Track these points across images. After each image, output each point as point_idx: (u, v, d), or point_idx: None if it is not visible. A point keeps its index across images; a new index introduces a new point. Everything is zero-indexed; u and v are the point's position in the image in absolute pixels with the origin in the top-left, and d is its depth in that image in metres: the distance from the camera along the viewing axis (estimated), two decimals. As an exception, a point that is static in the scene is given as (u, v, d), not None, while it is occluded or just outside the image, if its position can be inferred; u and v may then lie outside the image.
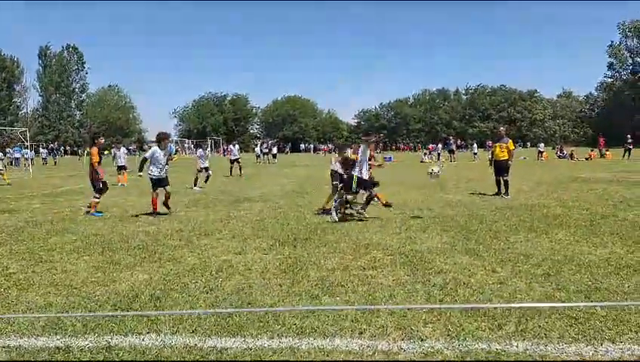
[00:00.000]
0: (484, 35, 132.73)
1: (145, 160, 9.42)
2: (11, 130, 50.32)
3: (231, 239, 6.84)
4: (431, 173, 9.62)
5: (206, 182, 15.57)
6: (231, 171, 21.08)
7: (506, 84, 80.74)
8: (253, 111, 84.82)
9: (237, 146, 22.24)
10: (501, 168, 11.45)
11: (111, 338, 3.39)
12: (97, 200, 9.66)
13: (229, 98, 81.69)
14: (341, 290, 4.35)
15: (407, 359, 2.98)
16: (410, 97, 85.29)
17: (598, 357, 2.90)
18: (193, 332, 3.50)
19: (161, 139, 9.56)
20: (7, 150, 33.09)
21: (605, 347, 3.03)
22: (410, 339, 3.25)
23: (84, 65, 78.30)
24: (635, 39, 63.39)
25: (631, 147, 30.11)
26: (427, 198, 11.19)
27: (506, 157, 11.45)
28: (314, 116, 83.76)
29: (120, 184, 16.74)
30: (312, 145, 73.83)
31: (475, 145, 40.09)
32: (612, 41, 65.29)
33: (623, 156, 29.42)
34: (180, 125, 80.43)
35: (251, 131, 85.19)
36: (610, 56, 65.83)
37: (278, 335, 3.40)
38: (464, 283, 4.44)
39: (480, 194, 11.87)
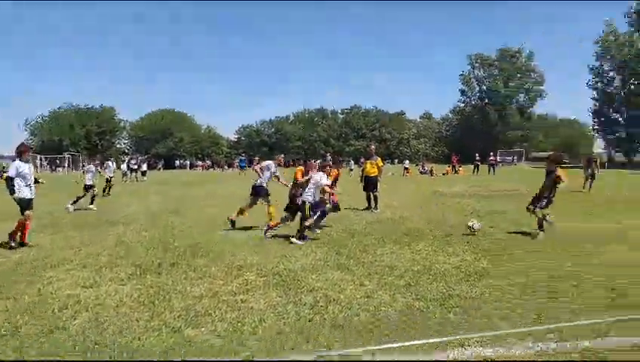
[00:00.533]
0: (362, 59, 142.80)
1: (11, 179, 7.59)
2: None
3: (81, 269, 5.97)
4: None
5: (92, 203, 13.44)
6: (108, 190, 18.51)
7: (378, 105, 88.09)
8: (121, 124, 77.69)
9: (114, 164, 19.79)
10: (371, 183, 12.20)
11: None
12: None
13: (94, 110, 73.77)
14: (207, 320, 4.03)
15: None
16: (291, 115, 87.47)
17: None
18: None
19: (22, 151, 7.87)
20: None
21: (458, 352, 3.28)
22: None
23: None
24: (481, 69, 74.19)
25: (479, 164, 34.92)
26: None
27: (376, 173, 12.25)
28: (191, 130, 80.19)
29: None
30: (188, 162, 70.48)
31: (352, 161, 42.41)
32: (463, 71, 75.53)
33: (473, 172, 33.98)
34: (31, 139, 69.79)
35: (118, 146, 77.76)
36: (462, 84, 76.03)
37: (128, 380, 2.97)
38: (334, 300, 4.48)
39: (353, 208, 12.42)
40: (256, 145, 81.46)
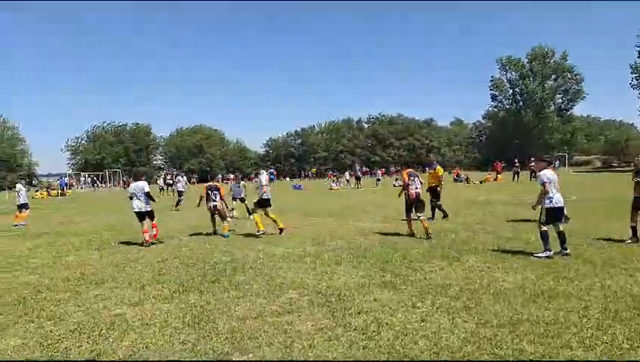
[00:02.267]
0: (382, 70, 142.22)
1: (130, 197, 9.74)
2: None
3: (127, 287, 5.95)
4: None
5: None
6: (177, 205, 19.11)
7: (403, 112, 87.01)
8: (157, 141, 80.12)
9: (184, 178, 21.35)
10: (432, 193, 11.85)
11: None
12: None
13: (128, 127, 76.42)
14: (254, 344, 3.86)
15: None
16: (316, 126, 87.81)
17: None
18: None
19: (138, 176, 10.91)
20: None
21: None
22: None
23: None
24: (512, 72, 71.80)
25: (519, 170, 33.47)
26: (339, 227, 11.09)
27: (436, 183, 11.96)
28: (222, 146, 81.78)
29: (16, 225, 14.32)
30: (219, 176, 71.78)
31: (379, 171, 41.44)
32: (493, 76, 73.23)
33: (513, 179, 32.60)
34: (73, 158, 72.87)
35: (154, 162, 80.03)
36: (492, 89, 73.74)
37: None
38: (386, 324, 4.19)
39: (390, 220, 12.07)
40: (283, 156, 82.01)
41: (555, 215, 6.83)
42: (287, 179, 68.32)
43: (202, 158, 77.05)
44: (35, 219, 15.90)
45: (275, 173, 45.87)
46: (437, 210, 11.83)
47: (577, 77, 67.95)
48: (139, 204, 9.47)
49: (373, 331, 4.03)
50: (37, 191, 40.41)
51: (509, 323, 4.09)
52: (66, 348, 3.94)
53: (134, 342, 4.03)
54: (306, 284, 5.72)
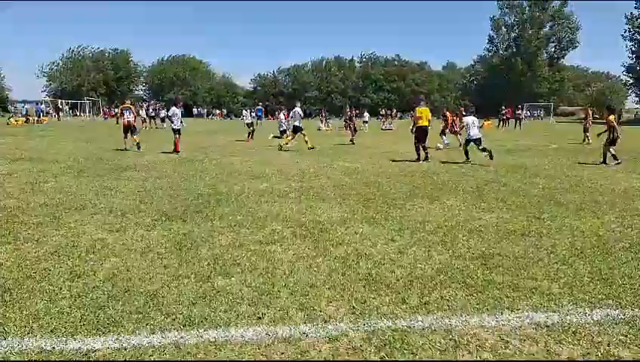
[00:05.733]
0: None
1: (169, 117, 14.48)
2: None
3: (107, 214, 5.93)
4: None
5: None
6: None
7: (400, 53, 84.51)
8: (138, 69, 76.64)
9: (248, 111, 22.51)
10: (423, 134, 12.13)
11: None
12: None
13: (107, 53, 72.51)
14: (237, 269, 3.93)
15: (311, 344, 2.70)
16: (309, 63, 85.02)
17: (500, 326, 2.93)
18: (51, 331, 2.83)
19: (176, 102, 15.66)
20: None
21: (506, 316, 3.08)
22: (313, 322, 2.98)
23: None
24: (512, 16, 69.58)
25: (506, 118, 33.70)
26: (325, 166, 11.12)
27: (427, 124, 12.12)
28: (207, 79, 78.93)
29: None
30: (205, 110, 69.98)
31: (367, 113, 39.77)
32: (493, 16, 70.82)
33: (498, 126, 32.91)
34: (50, 84, 69.52)
35: (136, 92, 76.97)
36: (492, 30, 71.39)
37: (160, 328, 2.89)
38: (365, 254, 4.31)
39: (376, 161, 12.14)
40: (272, 94, 79.99)
41: (471, 142, 11.59)
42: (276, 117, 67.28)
43: (186, 91, 74.47)
44: (11, 146, 15.48)
45: (263, 110, 44.91)
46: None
47: (573, 25, 66.63)
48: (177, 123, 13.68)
49: (353, 260, 4.15)
50: (11, 117, 38.82)
51: (481, 257, 4.27)
52: (44, 269, 3.92)
53: (115, 264, 4.05)
54: (290, 217, 5.79)
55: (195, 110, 70.06)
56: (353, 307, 3.19)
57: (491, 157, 11.14)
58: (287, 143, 15.61)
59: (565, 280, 3.70)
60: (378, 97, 78.18)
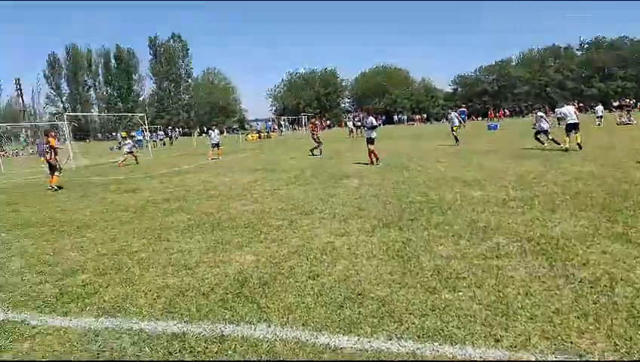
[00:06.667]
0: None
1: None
2: (132, 115, 55.79)
3: (332, 219, 6.56)
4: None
5: None
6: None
7: (628, 34, 69.11)
8: (343, 84, 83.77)
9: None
10: None
11: (224, 327, 3.30)
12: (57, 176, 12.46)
13: (318, 73, 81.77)
14: (463, 284, 3.80)
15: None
16: (514, 58, 77.52)
17: None
18: (304, 324, 3.27)
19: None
20: (132, 134, 36.44)
21: None
22: (563, 355, 2.64)
23: (188, 52, 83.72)
24: None
25: None
26: (549, 170, 9.86)
27: None
28: (407, 86, 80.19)
29: (211, 159, 19.57)
30: (405, 117, 71.17)
31: (600, 106, 32.89)
32: None
33: None
34: (274, 104, 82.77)
35: (342, 105, 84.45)
36: None
37: (396, 336, 3.01)
38: (622, 280, 3.61)
39: (615, 163, 10.15)
40: (475, 94, 75.66)
41: None
42: (479, 118, 63.64)
43: (387, 99, 77.48)
44: (251, 159, 18.80)
45: (466, 112, 43.20)
46: None
47: None
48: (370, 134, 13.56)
49: (605, 286, 3.52)
50: (248, 134, 47.76)
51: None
52: (290, 267, 4.57)
53: (346, 267, 4.43)
54: (514, 230, 5.32)
55: (395, 117, 72.09)
56: (615, 344, 2.70)
57: None
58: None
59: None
60: (607, 87, 65.62)
